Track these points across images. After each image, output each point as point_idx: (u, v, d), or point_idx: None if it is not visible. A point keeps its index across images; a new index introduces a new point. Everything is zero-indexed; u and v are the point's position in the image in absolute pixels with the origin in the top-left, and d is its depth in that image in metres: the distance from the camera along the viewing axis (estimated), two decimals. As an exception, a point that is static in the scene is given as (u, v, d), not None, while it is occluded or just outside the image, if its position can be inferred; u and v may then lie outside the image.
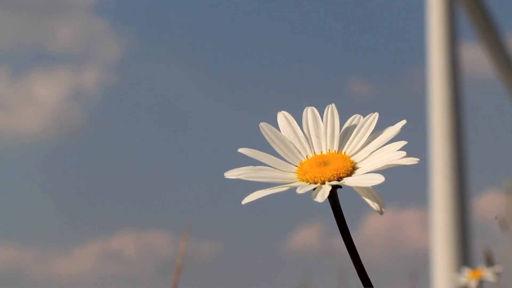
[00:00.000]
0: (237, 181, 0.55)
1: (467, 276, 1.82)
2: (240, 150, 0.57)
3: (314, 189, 0.54)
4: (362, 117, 0.60)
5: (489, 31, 5.88)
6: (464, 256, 5.04)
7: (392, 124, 0.58)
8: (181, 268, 1.32)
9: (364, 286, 0.57)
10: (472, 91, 5.61)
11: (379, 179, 0.53)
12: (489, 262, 1.84)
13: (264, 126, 0.59)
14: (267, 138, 0.59)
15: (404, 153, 0.55)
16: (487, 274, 1.80)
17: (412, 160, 0.54)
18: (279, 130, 0.60)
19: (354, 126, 0.60)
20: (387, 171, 0.55)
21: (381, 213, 0.55)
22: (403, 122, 0.57)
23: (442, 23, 5.37)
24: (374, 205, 0.55)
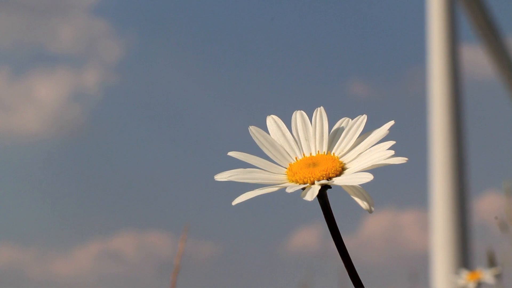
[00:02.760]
0: (236, 183, 0.56)
1: (465, 278, 1.82)
2: (230, 153, 0.58)
3: (303, 188, 0.55)
4: (350, 120, 0.61)
5: (490, 33, 5.88)
6: (464, 257, 5.05)
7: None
8: (179, 269, 1.32)
9: (355, 286, 0.58)
10: (472, 92, 5.61)
11: (368, 177, 0.54)
12: (492, 263, 1.85)
13: (253, 130, 0.60)
14: (256, 141, 0.60)
15: (392, 152, 0.55)
16: (486, 276, 1.80)
17: (400, 160, 0.55)
18: (269, 133, 0.61)
19: (343, 128, 0.60)
20: (387, 172, 0.55)
21: (370, 212, 0.56)
22: (391, 123, 0.58)
23: (442, 24, 5.37)
24: (364, 204, 0.56)
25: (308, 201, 0.54)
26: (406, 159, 0.55)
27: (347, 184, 0.54)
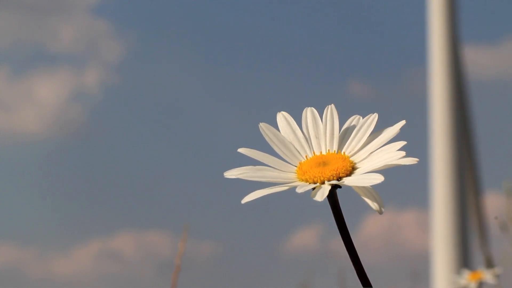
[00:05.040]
0: (237, 182, 0.55)
1: (466, 278, 1.83)
2: (240, 150, 0.57)
3: (314, 188, 0.54)
4: (361, 117, 0.60)
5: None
6: (464, 257, 5.05)
7: (392, 125, 0.59)
8: (180, 268, 1.32)
9: (363, 286, 0.58)
10: (473, 92, 5.61)
11: (379, 178, 0.53)
12: (489, 264, 1.85)
13: (263, 127, 0.60)
14: (266, 138, 0.59)
15: (403, 153, 0.55)
16: (487, 276, 1.80)
17: (411, 160, 0.54)
18: (279, 130, 0.60)
19: (354, 126, 0.60)
20: (387, 171, 0.55)
21: (380, 212, 0.55)
22: (402, 122, 0.58)
23: (443, 24, 5.37)
24: (374, 205, 0.55)
25: (308, 201, 0.53)
26: (417, 159, 0.54)
27: (357, 185, 0.54)
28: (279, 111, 0.61)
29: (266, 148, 0.59)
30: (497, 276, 1.80)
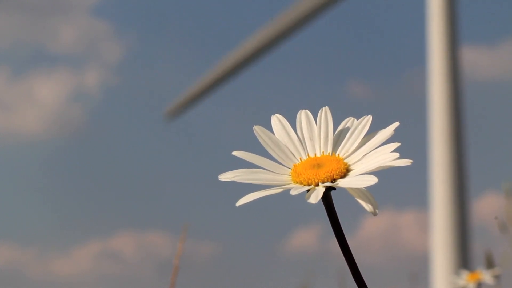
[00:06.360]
0: (237, 182, 0.55)
1: (465, 278, 1.83)
2: (234, 153, 0.58)
3: (308, 190, 0.54)
4: (355, 120, 0.60)
5: None
6: (464, 258, 5.04)
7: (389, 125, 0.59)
8: (178, 269, 1.32)
9: (358, 286, 0.58)
10: (472, 93, 5.61)
11: (372, 180, 0.53)
12: (490, 264, 1.85)
13: (258, 130, 0.60)
14: (261, 141, 0.59)
15: (397, 154, 0.55)
16: (486, 276, 1.80)
17: (405, 162, 0.54)
18: (273, 133, 0.60)
19: (348, 128, 0.60)
20: (386, 173, 0.55)
21: (374, 214, 0.56)
22: (396, 124, 0.58)
23: (442, 25, 5.37)
24: (368, 207, 0.55)
25: (307, 202, 0.53)
26: (411, 161, 0.54)
27: (351, 186, 0.54)
28: (279, 111, 0.62)
29: (264, 149, 0.59)
30: (496, 277, 1.81)
